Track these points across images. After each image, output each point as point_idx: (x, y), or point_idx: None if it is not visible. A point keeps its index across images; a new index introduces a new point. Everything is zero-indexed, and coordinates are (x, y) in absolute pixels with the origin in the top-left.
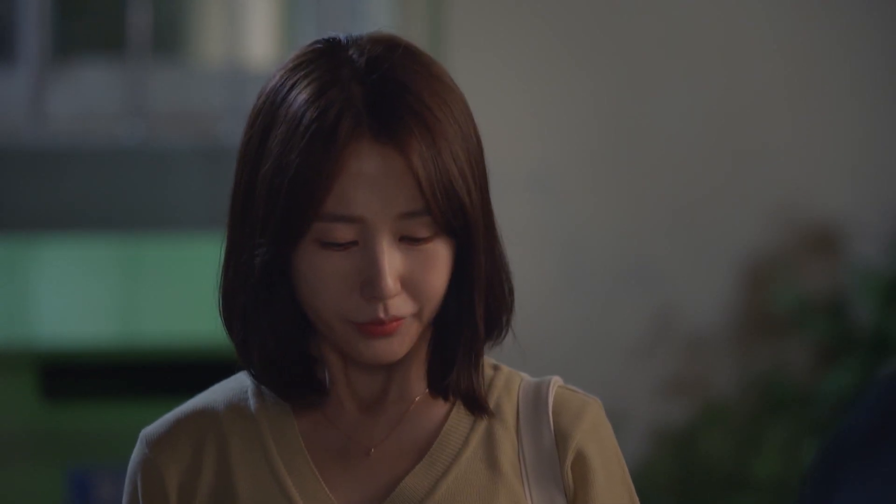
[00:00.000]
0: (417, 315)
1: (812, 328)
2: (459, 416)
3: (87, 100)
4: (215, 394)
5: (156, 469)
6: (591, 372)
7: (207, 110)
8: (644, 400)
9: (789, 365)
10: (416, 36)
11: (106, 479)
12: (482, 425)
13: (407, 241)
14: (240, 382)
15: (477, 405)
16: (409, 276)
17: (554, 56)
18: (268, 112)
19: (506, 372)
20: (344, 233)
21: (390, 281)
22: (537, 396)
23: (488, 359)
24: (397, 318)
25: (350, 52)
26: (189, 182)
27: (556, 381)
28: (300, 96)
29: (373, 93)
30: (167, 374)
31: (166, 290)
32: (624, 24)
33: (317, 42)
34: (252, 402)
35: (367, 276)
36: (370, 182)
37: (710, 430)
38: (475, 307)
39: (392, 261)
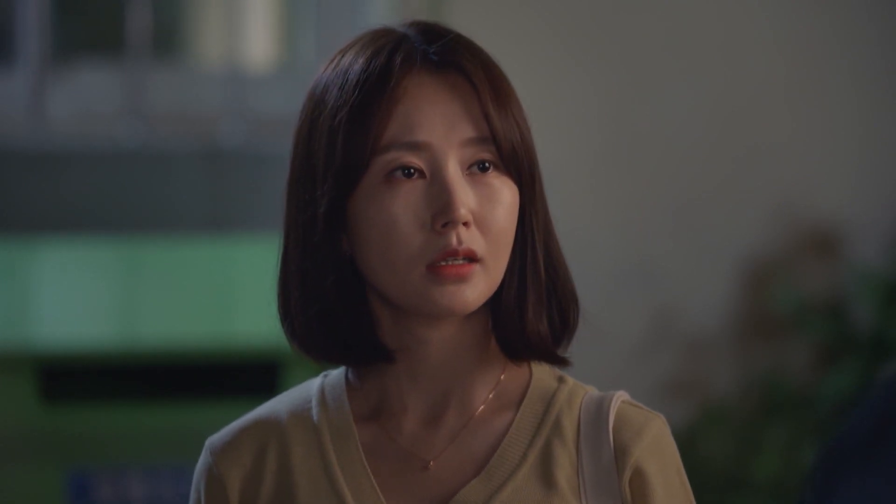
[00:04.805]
0: (485, 264)
1: (812, 329)
2: (519, 431)
3: (86, 101)
4: (280, 403)
5: (218, 476)
6: (591, 372)
7: (207, 112)
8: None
9: (789, 366)
10: None
11: (105, 481)
12: (541, 440)
13: (474, 171)
14: (305, 391)
15: (554, 358)
16: (479, 210)
17: (554, 56)
18: (321, 88)
19: (570, 385)
20: (410, 160)
21: (462, 204)
22: (599, 411)
23: (554, 370)
24: (470, 252)
25: (398, 27)
26: (188, 183)
27: (619, 396)
28: (351, 57)
29: (427, 35)
30: (167, 376)
31: (166, 291)
32: (624, 23)
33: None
34: (315, 412)
35: (438, 205)
36: (433, 106)
37: (710, 430)
38: (538, 255)
39: (462, 187)
